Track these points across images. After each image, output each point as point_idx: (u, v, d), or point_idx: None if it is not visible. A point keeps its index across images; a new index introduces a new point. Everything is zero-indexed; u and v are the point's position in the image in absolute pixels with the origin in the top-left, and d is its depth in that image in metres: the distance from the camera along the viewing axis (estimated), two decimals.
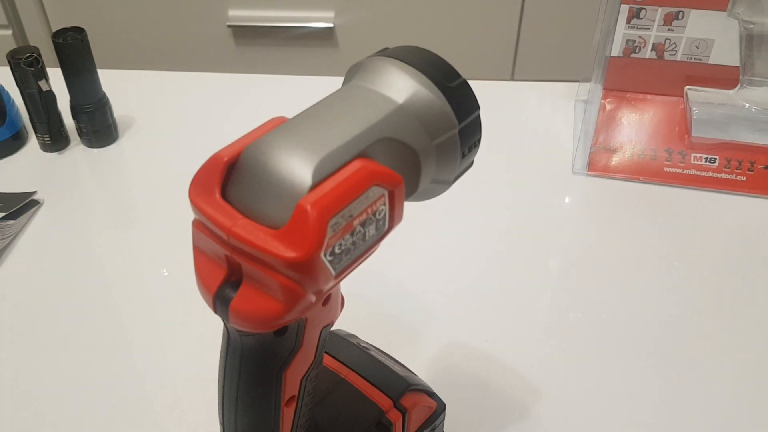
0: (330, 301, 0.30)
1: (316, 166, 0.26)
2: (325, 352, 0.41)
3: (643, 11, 0.62)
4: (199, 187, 0.27)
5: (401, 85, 0.30)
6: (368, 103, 0.29)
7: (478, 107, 0.31)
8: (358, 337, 0.44)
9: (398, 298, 0.56)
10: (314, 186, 0.26)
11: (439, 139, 0.30)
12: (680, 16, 0.62)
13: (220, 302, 0.28)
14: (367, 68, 0.31)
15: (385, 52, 0.31)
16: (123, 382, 0.50)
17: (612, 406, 0.48)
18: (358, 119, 0.28)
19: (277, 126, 0.28)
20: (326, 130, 0.28)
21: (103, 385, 0.50)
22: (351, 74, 0.32)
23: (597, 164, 0.66)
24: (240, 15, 1.25)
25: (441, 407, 0.42)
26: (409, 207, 0.32)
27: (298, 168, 0.26)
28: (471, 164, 0.33)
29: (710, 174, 0.65)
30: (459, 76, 0.31)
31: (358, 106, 0.29)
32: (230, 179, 0.27)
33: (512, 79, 1.31)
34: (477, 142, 0.32)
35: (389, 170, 0.27)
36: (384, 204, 0.28)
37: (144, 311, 0.55)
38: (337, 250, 0.26)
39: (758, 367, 0.51)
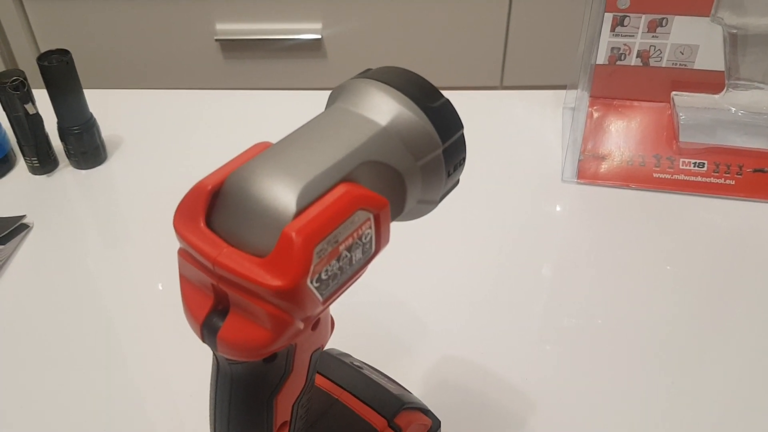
0: (319, 326, 0.30)
1: (300, 192, 0.26)
2: (318, 373, 0.40)
3: (627, 19, 0.62)
4: (183, 216, 0.27)
5: (384, 107, 0.30)
6: (351, 127, 0.29)
7: (461, 126, 0.31)
8: (351, 356, 0.44)
9: (391, 313, 0.56)
10: (298, 213, 0.26)
11: (423, 160, 0.30)
12: (664, 23, 0.62)
13: (207, 331, 0.27)
14: (349, 90, 0.31)
15: (368, 74, 0.31)
16: (121, 398, 0.50)
17: (609, 413, 0.48)
18: (341, 143, 0.28)
19: (260, 152, 0.28)
20: (309, 155, 0.28)
21: (100, 404, 0.49)
22: (334, 97, 0.32)
23: (586, 172, 0.66)
24: (227, 29, 1.25)
25: (436, 424, 0.42)
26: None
27: (282, 195, 0.26)
28: (457, 183, 0.33)
29: (699, 179, 0.65)
30: (441, 96, 0.31)
31: (341, 130, 0.29)
32: (215, 207, 0.27)
33: (501, 85, 1.31)
34: (462, 161, 0.32)
35: (374, 194, 0.27)
36: (370, 227, 0.28)
37: (138, 330, 0.55)
38: (323, 276, 0.26)
39: (752, 368, 0.51)
